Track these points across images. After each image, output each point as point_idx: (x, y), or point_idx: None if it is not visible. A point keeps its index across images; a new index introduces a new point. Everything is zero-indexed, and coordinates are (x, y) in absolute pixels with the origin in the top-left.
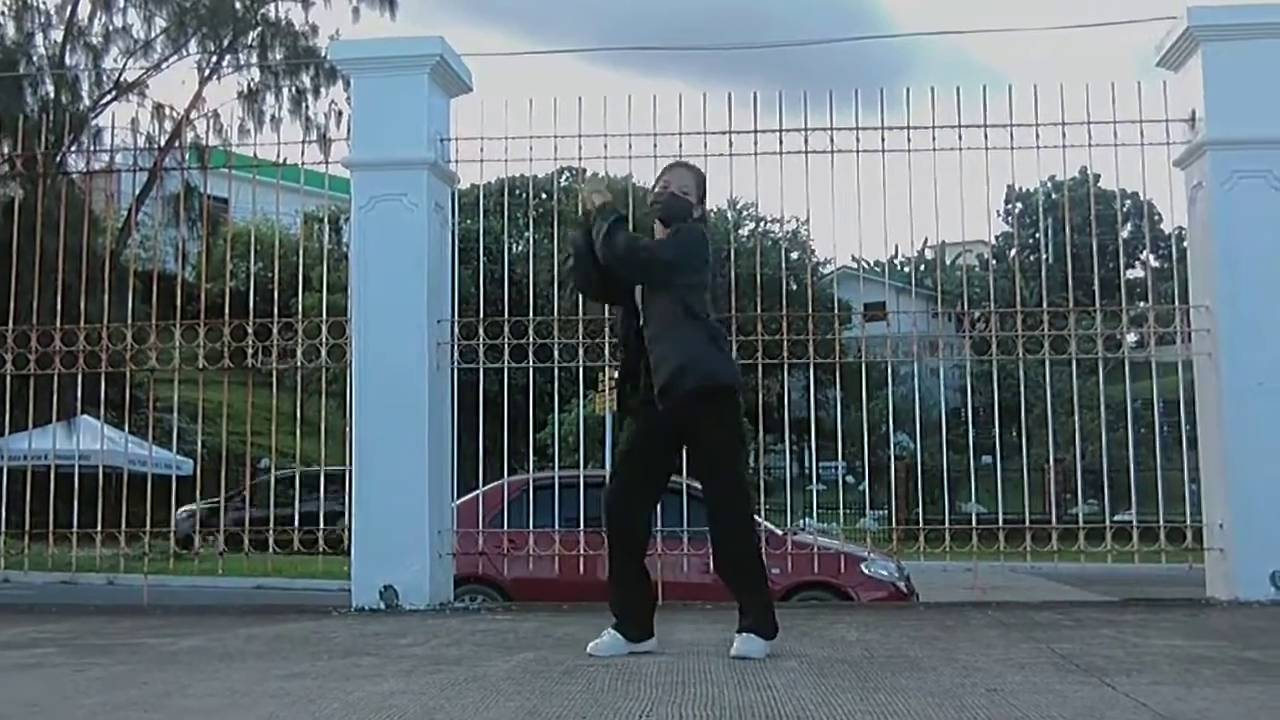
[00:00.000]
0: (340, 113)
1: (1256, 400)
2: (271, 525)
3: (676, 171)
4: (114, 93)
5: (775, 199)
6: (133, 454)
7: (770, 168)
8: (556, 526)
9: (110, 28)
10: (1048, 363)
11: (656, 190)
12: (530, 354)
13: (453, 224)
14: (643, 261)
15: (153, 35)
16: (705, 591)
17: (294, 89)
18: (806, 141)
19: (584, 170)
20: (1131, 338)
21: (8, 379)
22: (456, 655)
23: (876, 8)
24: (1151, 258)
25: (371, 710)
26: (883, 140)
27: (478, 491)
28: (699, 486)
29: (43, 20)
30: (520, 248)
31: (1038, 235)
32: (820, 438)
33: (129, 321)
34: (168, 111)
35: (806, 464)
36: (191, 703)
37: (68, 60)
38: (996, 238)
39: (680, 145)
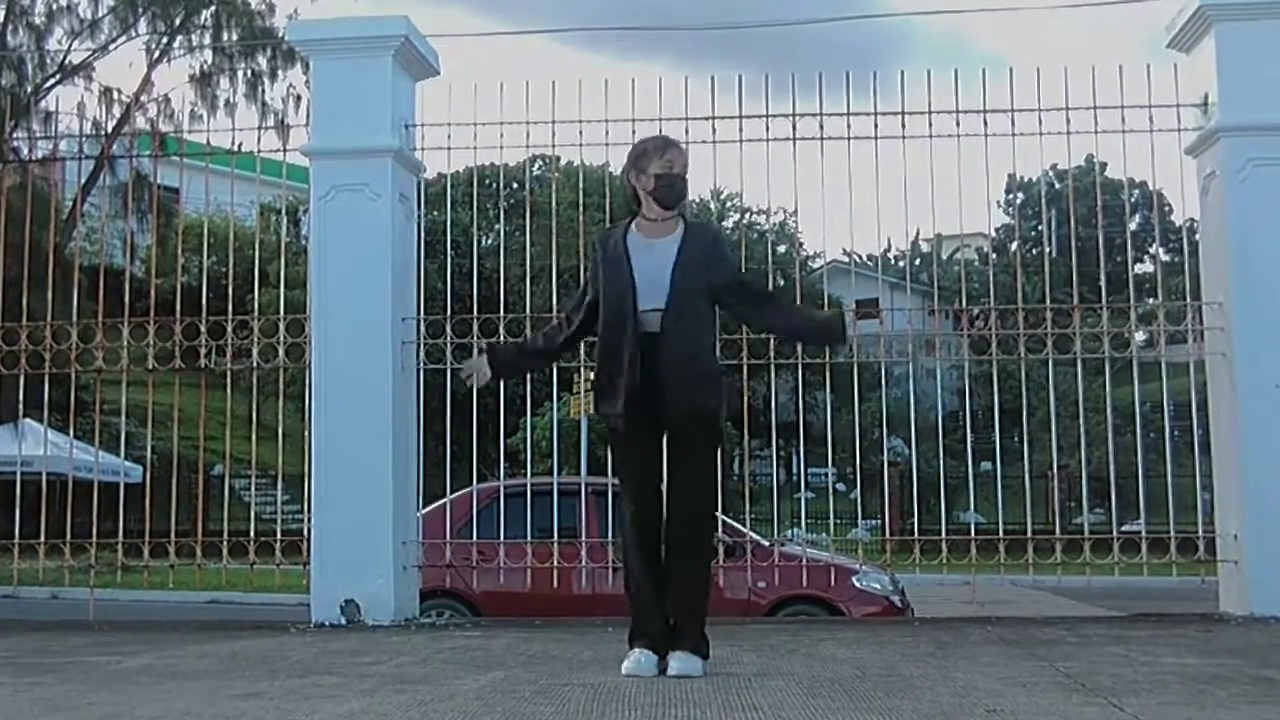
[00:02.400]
0: (299, 97)
1: (1273, 403)
2: (225, 534)
3: (675, 152)
4: (58, 75)
5: (761, 189)
6: (78, 460)
7: (756, 155)
8: (529, 537)
9: (54, 6)
10: (1051, 363)
11: (658, 171)
12: None
13: (418, 216)
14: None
15: (99, 15)
16: None
17: (249, 72)
18: (795, 128)
19: (557, 159)
20: (1140, 336)
21: None
22: (423, 674)
23: None
24: (1161, 251)
25: None
26: (876, 126)
27: (445, 500)
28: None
29: None
30: (490, 241)
31: (1040, 227)
32: (809, 443)
33: (74, 319)
34: (116, 96)
35: (795, 470)
36: None
37: (9, 41)
38: (996, 230)
39: (660, 131)
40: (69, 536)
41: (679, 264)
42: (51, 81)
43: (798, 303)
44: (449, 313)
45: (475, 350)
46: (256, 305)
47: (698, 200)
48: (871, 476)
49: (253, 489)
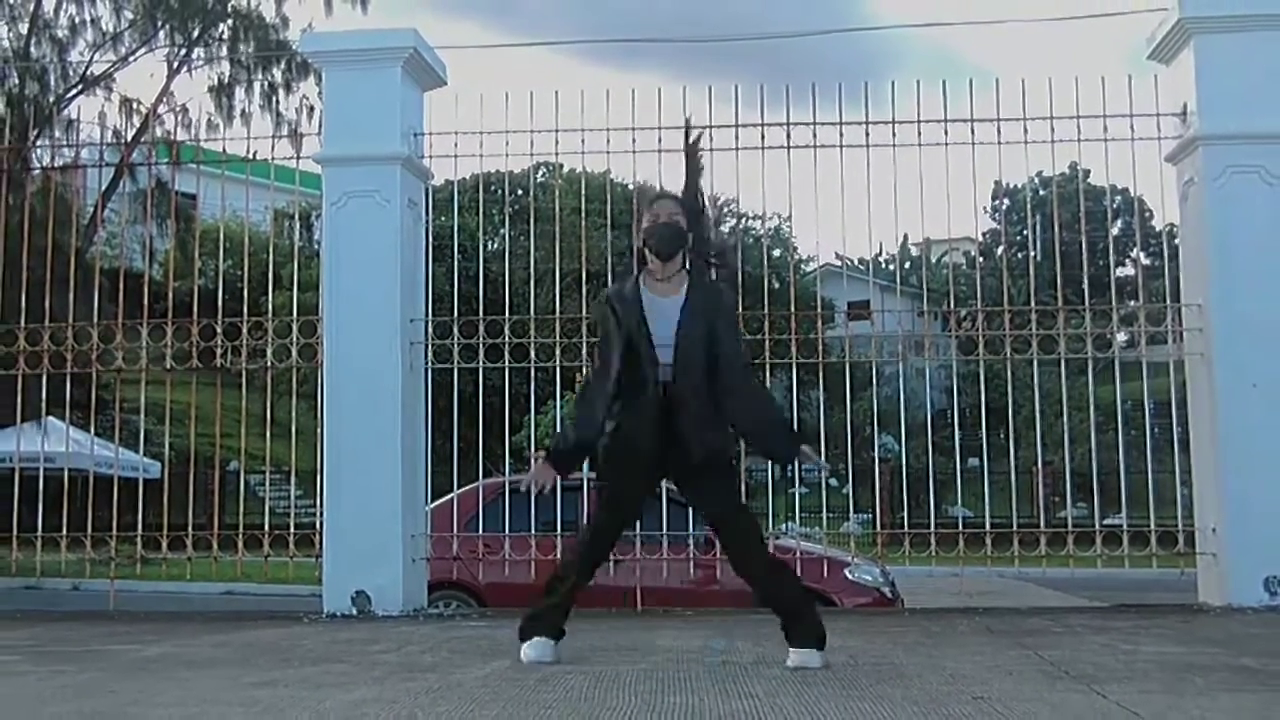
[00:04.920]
0: (312, 108)
1: (1250, 401)
2: (240, 528)
3: (661, 204)
4: (80, 86)
5: (757, 195)
6: (98, 456)
7: (752, 163)
8: (532, 531)
9: (77, 20)
10: (1036, 363)
11: (646, 225)
12: (506, 354)
13: (426, 221)
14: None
15: (121, 28)
16: (686, 598)
17: (265, 83)
18: (789, 136)
19: (560, 165)
20: (1122, 337)
21: None
22: (430, 662)
23: (861, 5)
24: (1142, 255)
25: (343, 719)
26: (867, 135)
27: (452, 495)
28: (675, 490)
29: (7, 12)
30: (496, 245)
31: (1025, 232)
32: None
33: (95, 320)
34: (135, 105)
35: (788, 467)
36: (160, 712)
37: (33, 53)
38: (983, 235)
39: (659, 140)
40: (90, 530)
41: (683, 321)
42: (74, 92)
43: (766, 397)
44: (455, 314)
45: (481, 353)
46: (270, 307)
47: None
48: (863, 472)
49: (267, 484)
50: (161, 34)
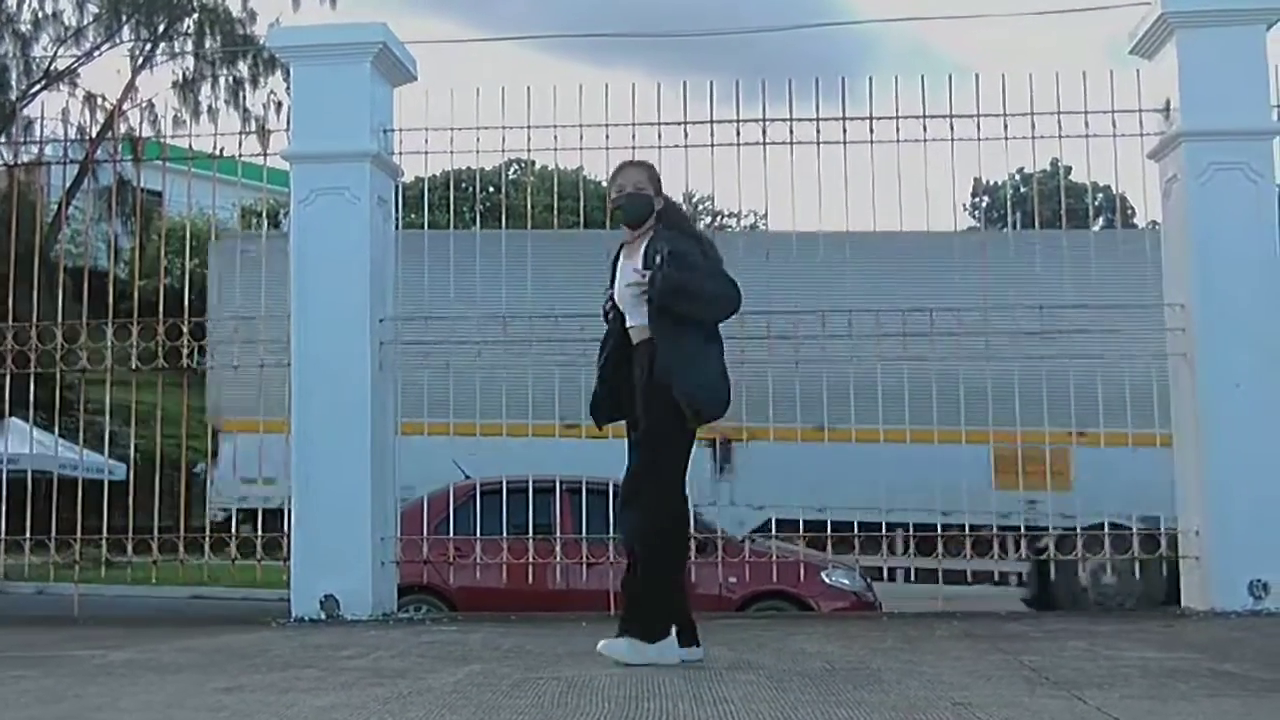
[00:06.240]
0: (279, 103)
1: (1233, 402)
2: (207, 531)
3: (627, 171)
4: (44, 82)
5: (732, 192)
6: (63, 458)
7: (727, 159)
8: (505, 534)
9: (40, 14)
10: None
11: (614, 195)
12: (478, 353)
13: (396, 218)
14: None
15: (84, 22)
16: None
17: (231, 79)
18: (765, 133)
19: (533, 162)
20: None
21: None
22: (400, 668)
23: (839, 1)
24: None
25: None
26: (844, 131)
27: (422, 496)
28: None
29: None
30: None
31: (1006, 230)
32: None
33: (59, 320)
34: (100, 101)
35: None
36: (125, 717)
37: None
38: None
39: (633, 136)
40: (54, 533)
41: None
42: (37, 88)
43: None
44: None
45: None
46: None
47: None
48: None
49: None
50: (126, 29)
